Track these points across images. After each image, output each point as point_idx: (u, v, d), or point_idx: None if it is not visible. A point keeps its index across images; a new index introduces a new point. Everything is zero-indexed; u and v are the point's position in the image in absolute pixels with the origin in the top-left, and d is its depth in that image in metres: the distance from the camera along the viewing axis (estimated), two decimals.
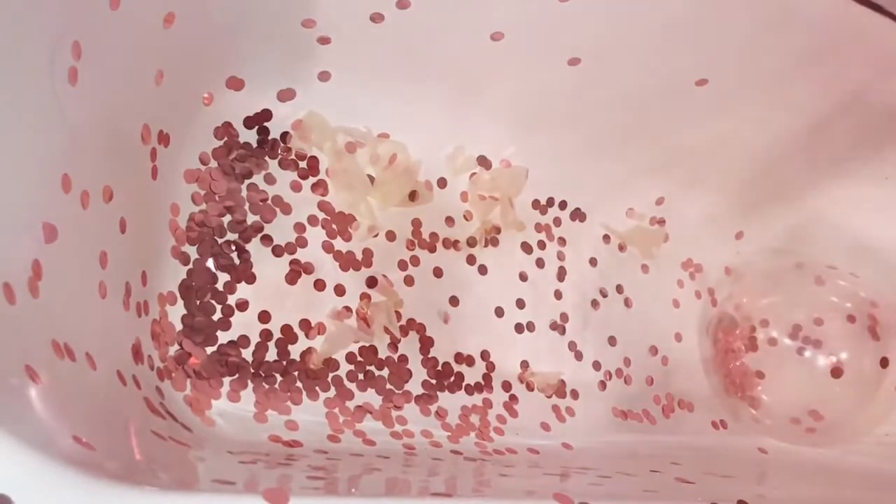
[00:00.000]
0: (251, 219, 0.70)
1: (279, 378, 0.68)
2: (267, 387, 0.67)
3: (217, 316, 0.67)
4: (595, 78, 0.74)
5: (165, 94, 0.63)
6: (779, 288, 0.86)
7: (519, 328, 0.79)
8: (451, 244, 0.78)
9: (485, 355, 0.76)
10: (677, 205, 0.86)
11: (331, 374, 0.69)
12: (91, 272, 0.54)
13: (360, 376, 0.70)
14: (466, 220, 0.79)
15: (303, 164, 0.73)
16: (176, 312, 0.66)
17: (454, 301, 0.76)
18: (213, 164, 0.70)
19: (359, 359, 0.71)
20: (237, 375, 0.66)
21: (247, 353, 0.67)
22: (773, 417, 0.83)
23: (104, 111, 0.56)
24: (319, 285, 0.71)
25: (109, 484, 0.37)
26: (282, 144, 0.72)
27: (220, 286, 0.68)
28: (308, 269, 0.71)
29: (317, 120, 0.73)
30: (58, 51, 0.49)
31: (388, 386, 0.71)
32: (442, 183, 0.78)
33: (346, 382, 0.70)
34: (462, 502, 0.49)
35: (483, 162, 0.80)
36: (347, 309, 0.71)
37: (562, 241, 0.82)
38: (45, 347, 0.45)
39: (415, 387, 0.72)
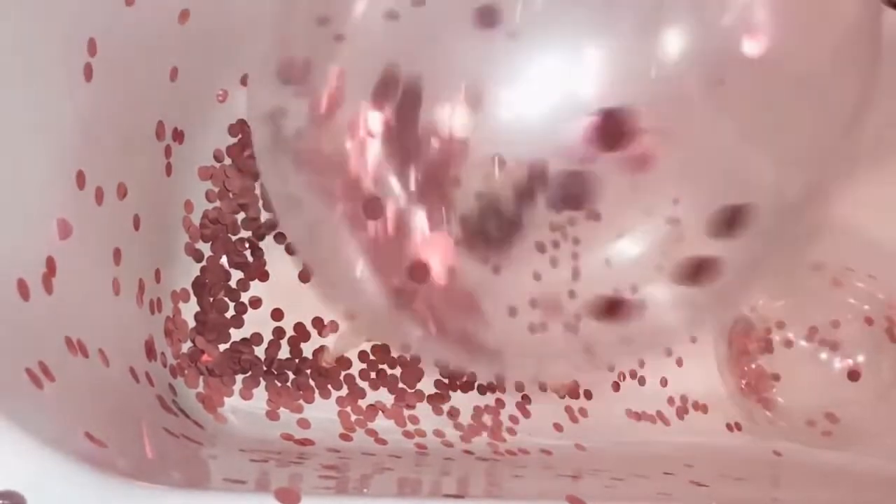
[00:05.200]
0: (265, 216, 0.70)
1: (292, 376, 0.68)
2: (279, 384, 0.67)
3: (230, 313, 0.67)
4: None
5: (180, 92, 0.63)
6: (795, 289, 0.85)
7: (532, 328, 0.78)
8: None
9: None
10: (693, 205, 0.85)
11: (343, 373, 0.69)
12: (105, 269, 0.55)
13: (373, 375, 0.70)
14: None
15: None
16: (189, 309, 0.66)
17: None
18: (228, 161, 0.70)
19: (371, 357, 0.71)
20: (250, 373, 0.66)
21: (259, 351, 0.67)
22: (789, 420, 0.82)
23: (119, 108, 0.56)
24: None
25: (121, 481, 0.37)
26: None
27: (233, 283, 0.68)
28: None
29: None
30: (73, 47, 0.49)
31: (401, 385, 0.71)
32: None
33: (358, 381, 0.70)
34: (474, 503, 0.49)
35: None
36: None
37: (576, 240, 0.82)
38: (58, 344, 0.46)
39: (427, 386, 0.72)
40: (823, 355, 0.82)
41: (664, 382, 0.82)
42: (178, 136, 0.65)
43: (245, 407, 0.65)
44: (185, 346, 0.65)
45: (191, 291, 0.67)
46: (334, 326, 0.70)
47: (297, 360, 0.68)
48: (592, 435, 0.76)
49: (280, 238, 0.70)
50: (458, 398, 0.72)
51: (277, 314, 0.69)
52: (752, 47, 0.46)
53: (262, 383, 0.66)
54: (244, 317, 0.68)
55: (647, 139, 0.47)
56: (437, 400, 0.72)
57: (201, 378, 0.64)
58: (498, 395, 0.74)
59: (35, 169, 0.47)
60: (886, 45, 0.71)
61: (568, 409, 0.77)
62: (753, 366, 0.84)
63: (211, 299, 0.67)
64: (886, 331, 0.81)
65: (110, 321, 0.54)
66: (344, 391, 0.69)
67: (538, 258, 0.80)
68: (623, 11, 0.46)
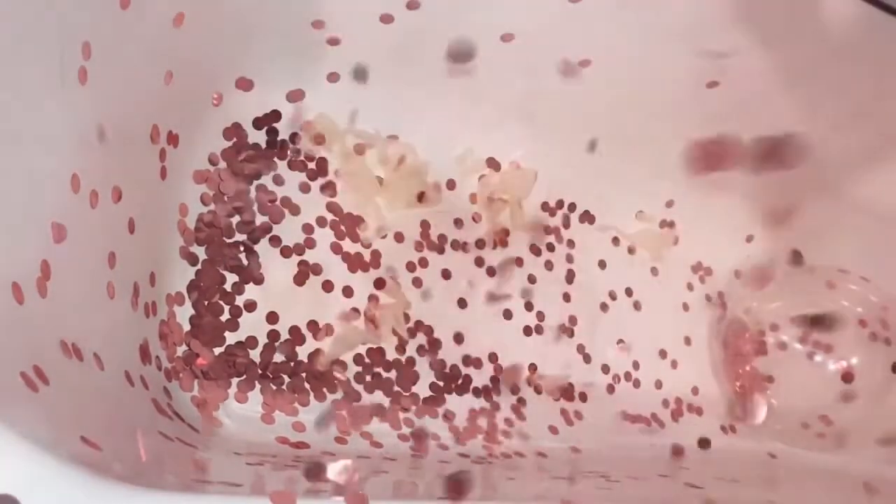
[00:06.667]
0: (260, 220, 0.70)
1: (287, 379, 0.67)
2: (274, 388, 0.66)
3: (225, 317, 0.67)
4: (606, 79, 0.74)
5: (175, 95, 0.63)
6: (789, 292, 0.86)
7: (527, 330, 0.78)
8: (460, 246, 0.77)
9: (493, 357, 0.76)
10: (687, 207, 0.86)
11: (338, 376, 0.69)
12: (99, 272, 0.54)
13: (368, 378, 0.70)
14: (475, 221, 0.79)
15: (311, 166, 0.73)
16: (184, 313, 0.66)
17: (462, 303, 0.76)
18: (222, 164, 0.70)
19: (366, 360, 0.70)
20: (245, 376, 0.66)
21: (254, 354, 0.67)
22: (783, 422, 0.82)
23: (113, 111, 0.56)
24: (328, 286, 0.71)
25: (116, 485, 0.37)
26: (291, 145, 0.72)
27: (228, 287, 0.68)
28: (316, 270, 0.71)
29: (326, 121, 0.73)
30: (68, 51, 0.49)
31: (396, 388, 0.71)
32: (451, 184, 0.78)
33: (353, 384, 0.70)
34: None
35: (492, 163, 0.79)
36: (355, 310, 0.71)
37: (571, 243, 0.82)
38: (53, 347, 0.45)
39: (422, 389, 0.72)
40: (817, 357, 0.82)
41: (659, 385, 0.82)
42: (173, 139, 0.65)
43: (240, 410, 0.65)
44: (180, 350, 0.65)
45: (185, 295, 0.66)
46: (329, 330, 0.70)
47: (292, 364, 0.68)
48: (588, 437, 0.76)
49: (275, 241, 0.70)
50: (453, 401, 0.73)
51: (272, 317, 0.69)
52: None
53: (258, 386, 0.66)
54: (239, 320, 0.67)
55: None
56: (432, 403, 0.72)
57: (196, 381, 0.64)
58: (493, 397, 0.74)
59: (29, 172, 0.46)
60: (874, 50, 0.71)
61: (563, 412, 0.77)
62: (748, 368, 0.84)
63: (206, 303, 0.67)
64: (880, 333, 0.81)
65: (105, 325, 0.54)
66: (339, 394, 0.69)
67: (534, 261, 0.80)
68: None
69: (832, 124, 0.77)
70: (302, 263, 0.71)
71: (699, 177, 0.79)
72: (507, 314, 0.78)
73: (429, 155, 0.77)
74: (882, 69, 0.72)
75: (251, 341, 0.67)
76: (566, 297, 0.81)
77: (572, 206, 0.83)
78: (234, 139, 0.71)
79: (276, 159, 0.72)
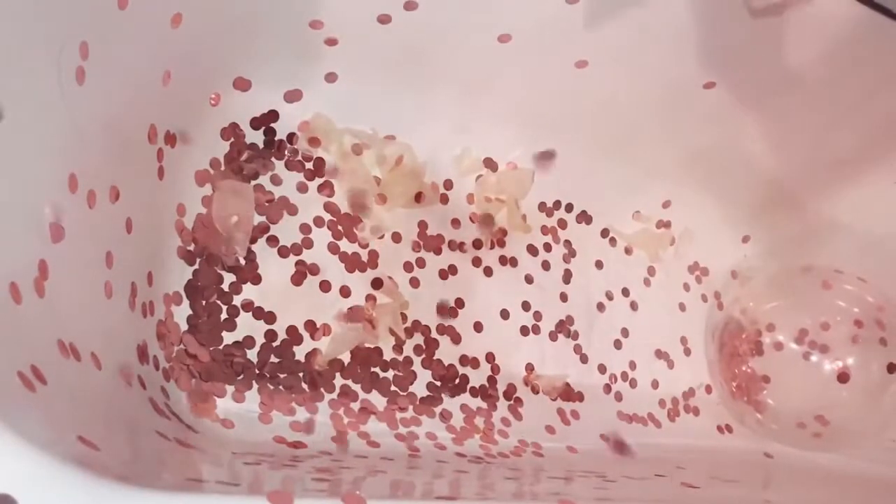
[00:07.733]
0: (257, 219, 0.70)
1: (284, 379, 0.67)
2: (272, 387, 0.67)
3: (223, 316, 0.67)
4: (602, 80, 0.74)
5: (172, 95, 0.63)
6: (785, 292, 0.86)
7: (524, 330, 0.78)
8: (457, 246, 0.78)
9: (490, 357, 0.76)
10: (684, 208, 0.86)
11: (336, 375, 0.69)
12: (97, 272, 0.54)
13: (366, 378, 0.70)
14: (472, 221, 0.79)
15: (309, 166, 0.73)
16: (181, 313, 0.66)
17: (459, 303, 0.76)
18: (222, 165, 0.70)
19: (364, 360, 0.71)
20: (242, 376, 0.66)
21: (252, 354, 0.67)
22: (779, 422, 0.83)
23: (111, 111, 0.56)
24: (325, 286, 0.71)
25: (114, 485, 0.37)
26: (288, 145, 0.72)
27: (225, 287, 0.68)
28: (314, 270, 0.71)
29: (323, 121, 0.73)
30: (65, 51, 0.49)
31: (393, 388, 0.71)
32: (448, 184, 0.78)
33: (350, 384, 0.70)
34: None
35: (489, 164, 0.80)
36: (353, 310, 0.71)
37: (567, 243, 0.82)
38: (50, 347, 0.46)
39: (419, 389, 0.72)
40: (813, 357, 0.82)
41: (655, 385, 0.82)
42: (171, 139, 0.65)
43: (238, 410, 0.65)
44: (178, 350, 0.65)
45: (183, 295, 0.66)
46: (327, 329, 0.70)
47: (289, 363, 0.68)
48: (584, 437, 0.76)
49: (272, 241, 0.70)
50: (450, 401, 0.73)
51: (270, 317, 0.69)
52: None
53: (255, 386, 0.66)
54: (237, 320, 0.67)
55: None
56: (429, 402, 0.72)
57: (193, 381, 0.64)
58: (490, 397, 0.74)
59: (27, 172, 0.46)
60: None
61: (560, 412, 0.77)
62: (744, 368, 0.84)
63: (203, 302, 0.67)
64: (876, 333, 0.81)
65: (102, 324, 0.54)
66: (336, 394, 0.69)
67: (531, 261, 0.80)
68: None
69: (829, 124, 0.78)
70: (299, 263, 0.71)
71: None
72: (505, 314, 0.78)
73: (426, 155, 0.77)
74: (878, 69, 0.73)
75: (248, 341, 0.67)
76: (563, 298, 0.81)
77: (569, 207, 0.83)
78: (232, 139, 0.71)
79: (273, 159, 0.72)
